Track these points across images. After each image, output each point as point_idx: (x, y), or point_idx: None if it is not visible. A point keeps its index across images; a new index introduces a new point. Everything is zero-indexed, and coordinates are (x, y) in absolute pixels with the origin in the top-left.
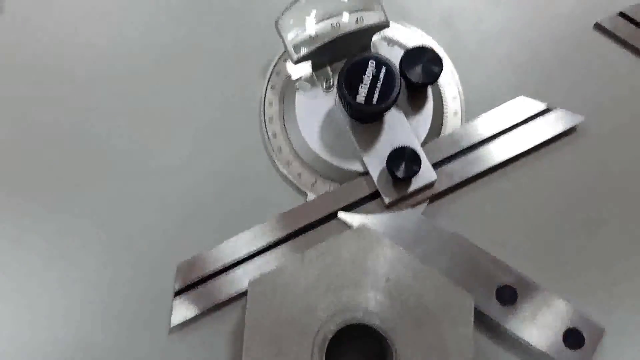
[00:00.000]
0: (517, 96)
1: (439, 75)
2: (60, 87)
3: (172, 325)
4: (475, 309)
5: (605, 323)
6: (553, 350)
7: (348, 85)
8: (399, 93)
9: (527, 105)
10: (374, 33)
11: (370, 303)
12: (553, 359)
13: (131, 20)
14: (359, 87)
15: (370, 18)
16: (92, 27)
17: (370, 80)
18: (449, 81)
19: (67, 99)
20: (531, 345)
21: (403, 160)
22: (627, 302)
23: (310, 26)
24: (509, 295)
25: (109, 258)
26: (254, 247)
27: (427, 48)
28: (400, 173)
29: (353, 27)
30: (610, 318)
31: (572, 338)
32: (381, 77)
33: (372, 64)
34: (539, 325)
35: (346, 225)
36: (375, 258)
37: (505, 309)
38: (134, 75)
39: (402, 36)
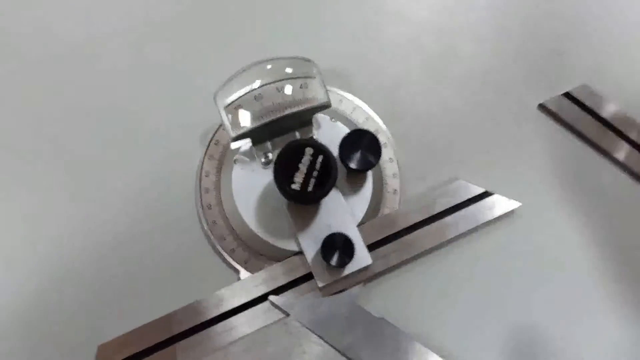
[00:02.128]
0: (457, 175)
1: (375, 164)
2: None
3: None
4: None
5: None
6: None
7: (283, 171)
8: (334, 182)
9: (466, 189)
10: (317, 112)
11: None
12: None
13: (59, 80)
14: (294, 174)
15: (313, 97)
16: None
17: (307, 168)
18: (390, 157)
19: None
20: None
21: (337, 249)
22: None
23: (250, 104)
24: None
25: (26, 334)
26: (181, 329)
27: (365, 132)
28: (333, 262)
29: (294, 108)
30: None
31: None
32: (318, 165)
33: (309, 151)
34: None
35: (277, 309)
36: (301, 354)
37: None
38: (61, 136)
39: (346, 109)
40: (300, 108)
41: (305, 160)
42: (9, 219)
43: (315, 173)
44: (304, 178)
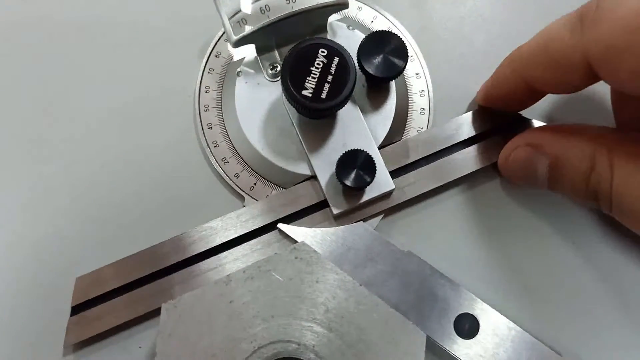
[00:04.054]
0: None
1: (403, 69)
2: None
3: (65, 346)
4: (429, 341)
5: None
6: None
7: (293, 76)
8: (352, 89)
9: (502, 113)
10: (330, 14)
11: (305, 335)
12: None
13: None
14: (305, 79)
15: None
16: None
17: (320, 72)
18: (417, 73)
19: None
20: None
21: (355, 167)
22: (601, 336)
23: (253, 2)
24: (469, 326)
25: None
26: (172, 260)
27: (390, 34)
28: (349, 182)
29: (305, 5)
30: (582, 353)
31: None
32: (333, 69)
33: (322, 53)
34: None
35: (287, 239)
36: (313, 283)
37: (465, 342)
38: (48, 47)
39: (369, 19)
40: (311, 4)
41: (318, 63)
42: None
43: (329, 78)
44: (316, 83)
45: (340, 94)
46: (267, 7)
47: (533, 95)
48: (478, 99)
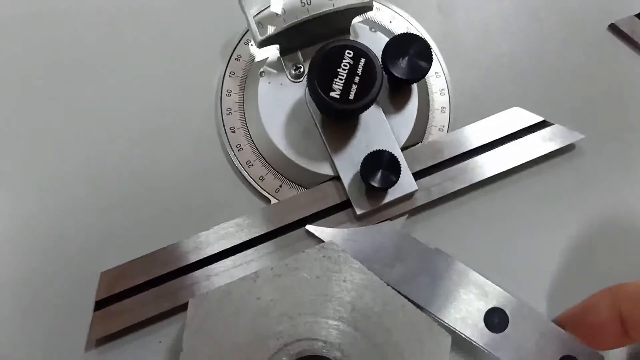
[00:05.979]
0: (513, 103)
1: (427, 71)
2: None
3: (89, 341)
4: (461, 336)
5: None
6: None
7: (320, 78)
8: (379, 89)
9: (522, 117)
10: (355, 16)
11: (331, 333)
12: None
13: None
14: (333, 81)
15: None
16: None
17: (347, 74)
18: (437, 72)
19: None
20: None
21: (380, 168)
22: None
23: (279, 2)
24: (499, 320)
25: (24, 258)
26: (195, 257)
27: (415, 37)
28: (375, 182)
29: (330, 7)
30: None
31: None
32: (359, 70)
33: (349, 54)
34: (532, 353)
35: (313, 238)
36: (340, 282)
37: (495, 335)
38: (74, 50)
39: (387, 20)
40: (336, 8)
41: (345, 64)
42: (12, 139)
43: (356, 79)
44: (343, 85)
45: (368, 94)
46: (286, 12)
47: (621, 339)
48: (560, 320)
